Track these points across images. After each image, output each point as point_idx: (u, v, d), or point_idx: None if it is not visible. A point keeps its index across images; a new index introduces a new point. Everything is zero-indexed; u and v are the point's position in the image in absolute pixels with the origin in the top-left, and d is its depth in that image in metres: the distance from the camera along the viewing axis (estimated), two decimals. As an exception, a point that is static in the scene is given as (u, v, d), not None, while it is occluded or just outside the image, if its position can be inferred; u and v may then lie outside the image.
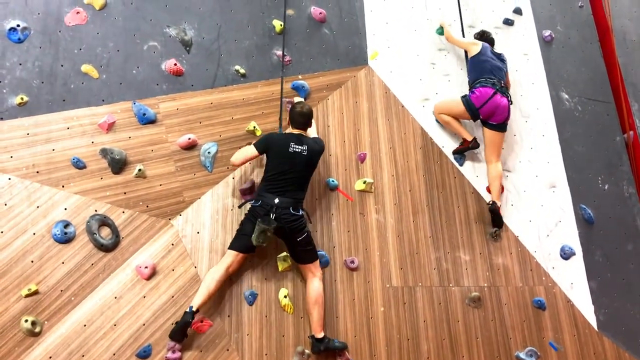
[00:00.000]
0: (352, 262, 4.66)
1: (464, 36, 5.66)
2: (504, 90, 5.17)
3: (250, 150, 4.33)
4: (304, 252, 4.30)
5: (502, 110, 5.09)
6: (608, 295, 5.31)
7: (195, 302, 3.94)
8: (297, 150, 4.26)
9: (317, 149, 4.39)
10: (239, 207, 4.43)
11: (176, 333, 3.90)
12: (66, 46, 4.36)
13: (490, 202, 5.11)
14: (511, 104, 5.20)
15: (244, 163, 4.40)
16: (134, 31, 4.61)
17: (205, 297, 3.99)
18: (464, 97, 5.22)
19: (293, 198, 4.22)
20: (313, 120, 4.63)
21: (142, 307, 4.01)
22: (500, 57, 5.38)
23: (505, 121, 5.18)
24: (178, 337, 3.91)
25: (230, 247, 4.20)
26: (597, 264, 5.40)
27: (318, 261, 4.39)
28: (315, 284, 4.30)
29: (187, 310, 3.90)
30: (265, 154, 4.36)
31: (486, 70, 5.21)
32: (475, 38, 5.58)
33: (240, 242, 4.18)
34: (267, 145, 4.31)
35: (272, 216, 4.09)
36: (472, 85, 5.27)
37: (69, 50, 4.36)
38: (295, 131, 4.44)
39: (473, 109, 5.13)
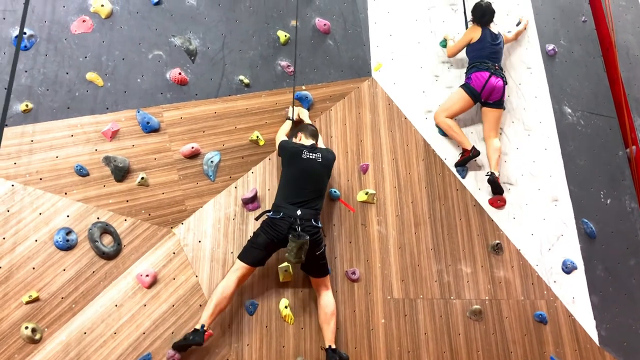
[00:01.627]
0: (354, 273, 4.65)
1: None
2: (498, 71, 5.40)
3: (281, 138, 4.55)
4: (320, 266, 4.28)
5: (498, 90, 5.35)
6: (610, 310, 5.28)
7: (205, 319, 3.89)
8: (310, 157, 4.30)
9: (330, 157, 4.47)
10: (256, 219, 4.37)
11: (181, 347, 3.87)
12: (72, 54, 4.38)
13: (489, 173, 5.26)
14: (506, 84, 5.45)
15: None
16: (140, 40, 4.63)
17: (214, 314, 3.94)
18: (463, 85, 5.42)
19: (314, 209, 4.21)
20: (306, 118, 4.81)
21: (143, 316, 4.00)
22: (497, 39, 5.53)
23: (502, 98, 5.42)
24: (182, 350, 3.90)
25: (242, 260, 4.10)
26: (599, 279, 5.38)
27: (329, 275, 4.38)
28: (329, 297, 4.31)
29: (198, 329, 3.84)
30: (281, 162, 4.41)
31: (483, 55, 5.44)
32: (477, 16, 5.57)
33: (253, 255, 4.11)
34: (282, 151, 4.43)
35: (298, 229, 4.02)
36: (468, 70, 5.50)
37: (74, 58, 4.38)
38: (308, 142, 4.48)
39: (475, 93, 5.34)
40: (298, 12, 5.24)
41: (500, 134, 5.59)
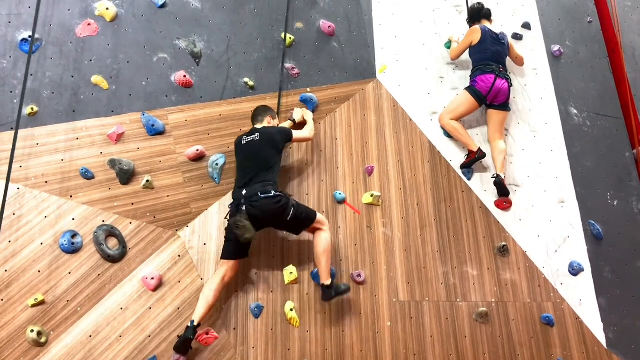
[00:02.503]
0: (359, 275, 4.63)
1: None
2: (502, 74, 5.36)
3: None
4: (300, 223, 4.26)
5: (503, 92, 5.34)
6: (617, 312, 5.25)
7: (196, 316, 3.91)
8: (248, 140, 4.33)
9: (272, 131, 4.38)
10: (225, 218, 4.34)
11: (180, 347, 3.87)
12: (77, 57, 4.39)
13: (495, 175, 5.24)
14: (511, 85, 5.42)
15: None
16: (144, 43, 4.64)
17: (205, 309, 3.95)
18: (469, 88, 5.38)
19: (260, 182, 4.14)
20: (310, 119, 4.74)
21: (148, 319, 4.00)
22: (499, 39, 5.47)
23: (507, 100, 5.40)
24: (182, 351, 3.88)
25: (222, 257, 4.16)
26: (606, 281, 5.34)
27: (318, 216, 4.34)
28: (323, 235, 4.31)
29: (189, 325, 3.87)
30: None
31: (486, 57, 5.39)
32: (473, 16, 5.61)
33: (227, 250, 4.15)
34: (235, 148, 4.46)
35: (243, 207, 4.03)
36: (472, 72, 5.47)
37: (80, 62, 4.39)
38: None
39: (480, 96, 5.31)
40: (302, 14, 5.24)
41: (506, 135, 5.57)
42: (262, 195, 4.07)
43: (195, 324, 3.88)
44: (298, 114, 4.83)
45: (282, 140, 4.39)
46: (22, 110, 4.07)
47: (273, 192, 4.12)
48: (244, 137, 4.38)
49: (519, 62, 5.84)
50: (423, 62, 5.68)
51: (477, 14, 5.61)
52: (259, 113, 4.56)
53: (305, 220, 4.27)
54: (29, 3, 4.34)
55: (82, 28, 4.47)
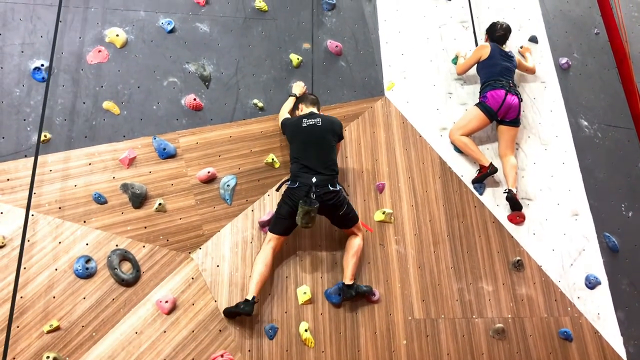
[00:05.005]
0: (373, 294, 4.60)
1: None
2: (513, 89, 5.36)
3: (283, 117, 4.71)
4: (347, 220, 4.48)
5: (514, 108, 5.32)
6: (637, 325, 5.16)
7: (254, 292, 4.11)
8: (310, 123, 4.44)
9: (332, 119, 4.59)
10: (277, 189, 4.55)
11: (231, 313, 4.12)
12: (88, 84, 4.45)
13: (507, 190, 5.21)
14: (521, 101, 5.41)
15: None
16: (154, 68, 4.70)
17: (260, 283, 4.16)
18: (479, 104, 5.36)
19: (328, 174, 4.33)
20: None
21: (163, 342, 3.99)
22: (508, 56, 5.49)
23: (518, 116, 5.37)
24: (231, 317, 4.14)
25: (273, 231, 4.32)
26: (624, 294, 5.27)
27: (359, 222, 4.59)
28: (357, 240, 4.53)
29: (249, 299, 4.06)
30: (287, 138, 4.61)
31: (495, 72, 5.38)
32: (490, 32, 5.63)
33: (280, 225, 4.30)
34: (284, 129, 4.61)
35: (313, 196, 4.19)
36: (482, 88, 5.44)
37: (91, 88, 4.45)
38: (308, 110, 4.66)
39: (491, 112, 5.29)
40: (309, 34, 5.29)
41: (517, 149, 5.55)
42: (331, 189, 4.28)
43: (256, 300, 4.10)
44: (298, 88, 4.93)
45: (340, 134, 4.59)
46: (35, 138, 4.13)
47: (338, 187, 4.35)
48: (303, 120, 4.47)
49: (531, 72, 5.87)
50: (431, 79, 5.70)
51: (493, 33, 5.58)
52: (318, 100, 4.77)
53: (351, 219, 4.50)
54: (41, 32, 4.42)
55: (92, 55, 4.54)
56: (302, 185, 4.25)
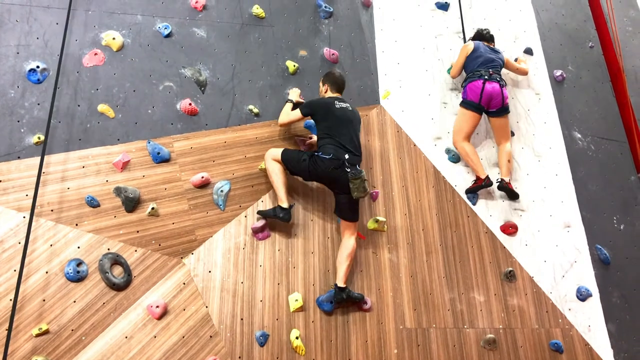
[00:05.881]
0: (365, 302, 4.60)
1: None
2: (493, 76, 5.31)
3: (294, 114, 4.68)
4: (353, 211, 4.57)
5: (496, 95, 5.27)
6: (627, 338, 5.18)
7: (285, 200, 4.44)
8: (342, 106, 4.60)
9: (356, 111, 4.77)
10: (308, 158, 4.50)
11: (266, 216, 4.47)
12: (83, 86, 4.44)
13: (499, 180, 5.24)
14: (503, 86, 5.35)
15: (288, 125, 4.84)
16: (150, 72, 4.69)
17: (287, 191, 4.48)
18: (461, 103, 5.41)
19: (357, 155, 4.53)
20: None
21: (153, 348, 3.96)
22: (494, 50, 5.53)
23: (504, 104, 5.34)
24: (264, 217, 4.50)
25: (282, 155, 4.52)
26: (615, 306, 5.29)
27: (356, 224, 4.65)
28: (352, 241, 4.56)
29: (286, 207, 4.41)
30: (312, 118, 4.67)
31: (476, 64, 5.40)
32: (474, 36, 5.74)
33: (293, 165, 4.52)
34: (312, 108, 4.63)
35: (347, 169, 4.35)
36: (462, 85, 5.49)
37: (86, 91, 4.44)
38: (334, 95, 4.76)
39: (475, 105, 5.30)
40: (306, 42, 5.30)
41: (512, 135, 5.61)
42: (359, 169, 4.43)
43: (288, 205, 4.47)
44: (294, 94, 4.93)
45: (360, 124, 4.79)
46: (29, 139, 4.12)
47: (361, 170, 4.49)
48: (335, 102, 4.60)
49: (522, 73, 5.87)
50: (426, 88, 5.72)
51: (478, 35, 5.70)
52: (344, 83, 4.86)
53: (357, 210, 4.61)
54: (37, 34, 4.41)
55: (88, 58, 4.53)
56: (335, 159, 4.38)
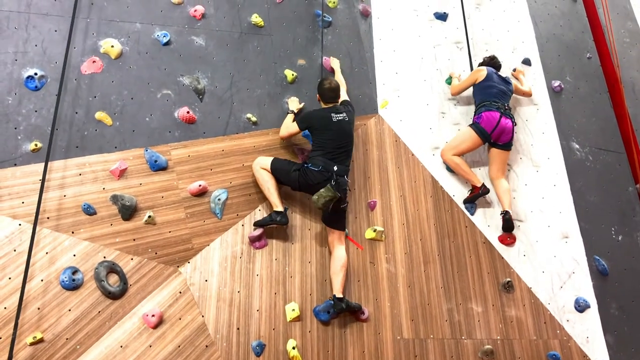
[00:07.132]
0: (362, 313, 4.57)
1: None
2: (507, 112, 5.37)
3: (294, 127, 4.76)
4: (341, 219, 4.64)
5: (508, 131, 5.31)
6: (626, 350, 5.15)
7: (278, 203, 4.52)
8: (339, 118, 4.65)
9: (352, 111, 4.85)
10: (299, 170, 4.55)
11: (263, 225, 4.49)
12: (81, 94, 4.43)
13: (504, 212, 5.20)
14: (515, 125, 5.41)
15: (289, 137, 4.90)
16: (148, 80, 4.69)
17: (279, 194, 4.54)
18: (473, 125, 5.36)
19: (346, 166, 4.64)
20: (342, 89, 5.05)
21: (148, 357, 3.93)
22: (505, 81, 5.54)
23: (511, 140, 5.37)
24: (261, 226, 4.51)
25: (271, 163, 4.58)
26: (613, 318, 5.26)
27: (344, 232, 4.71)
28: (343, 251, 4.59)
29: (281, 210, 4.46)
30: (309, 130, 4.72)
31: (491, 94, 5.40)
32: (483, 62, 5.72)
33: (281, 174, 4.56)
34: (309, 121, 4.70)
35: (333, 182, 4.41)
36: (477, 109, 5.44)
37: (84, 98, 4.43)
38: (329, 105, 4.79)
39: (485, 134, 5.29)
40: (304, 51, 5.30)
41: (509, 170, 5.57)
42: (346, 179, 4.59)
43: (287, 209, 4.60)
44: (294, 103, 4.96)
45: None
46: (26, 146, 4.10)
47: (347, 179, 4.63)
48: (332, 114, 4.66)
49: (527, 95, 5.92)
50: (424, 98, 5.73)
51: (490, 63, 5.69)
52: (338, 90, 4.84)
53: (344, 218, 4.70)
54: (36, 41, 4.41)
55: (87, 65, 4.53)
56: (324, 171, 4.46)
